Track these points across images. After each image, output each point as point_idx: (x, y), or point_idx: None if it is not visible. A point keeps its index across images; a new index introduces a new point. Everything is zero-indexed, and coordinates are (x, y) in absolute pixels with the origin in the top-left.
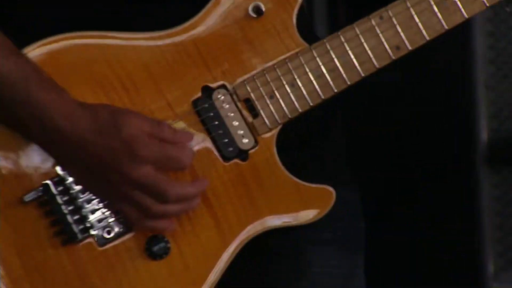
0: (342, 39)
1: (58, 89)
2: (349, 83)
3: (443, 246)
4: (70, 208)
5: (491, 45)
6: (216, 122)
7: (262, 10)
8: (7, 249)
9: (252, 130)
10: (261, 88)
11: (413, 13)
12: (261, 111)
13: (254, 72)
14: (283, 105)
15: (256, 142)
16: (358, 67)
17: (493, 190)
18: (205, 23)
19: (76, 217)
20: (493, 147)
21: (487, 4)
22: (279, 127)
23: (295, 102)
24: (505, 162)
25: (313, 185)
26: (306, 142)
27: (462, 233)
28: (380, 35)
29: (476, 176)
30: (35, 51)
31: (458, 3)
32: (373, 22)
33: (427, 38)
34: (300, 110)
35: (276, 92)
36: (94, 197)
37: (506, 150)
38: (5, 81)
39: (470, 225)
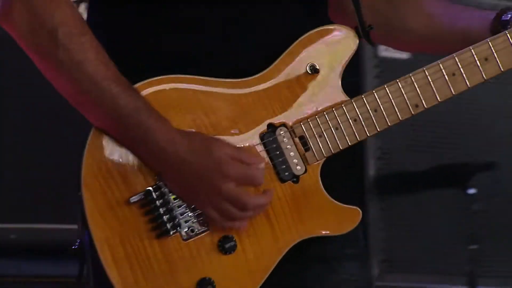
0: (376, 96)
1: (162, 118)
2: (378, 130)
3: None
4: (164, 209)
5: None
6: (277, 152)
7: (317, 68)
8: (113, 237)
9: (304, 160)
10: (313, 129)
11: (430, 80)
12: (312, 146)
13: (308, 116)
14: (329, 143)
15: (306, 169)
16: (386, 118)
17: (379, 212)
18: (274, 76)
19: (168, 216)
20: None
21: (485, 78)
22: (324, 159)
23: (338, 141)
24: (386, 192)
25: (346, 206)
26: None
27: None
28: (404, 95)
29: (366, 202)
30: (144, 87)
31: (464, 76)
32: (400, 85)
33: (439, 100)
34: (341, 148)
35: (324, 133)
36: (183, 203)
37: (388, 183)
38: (122, 110)
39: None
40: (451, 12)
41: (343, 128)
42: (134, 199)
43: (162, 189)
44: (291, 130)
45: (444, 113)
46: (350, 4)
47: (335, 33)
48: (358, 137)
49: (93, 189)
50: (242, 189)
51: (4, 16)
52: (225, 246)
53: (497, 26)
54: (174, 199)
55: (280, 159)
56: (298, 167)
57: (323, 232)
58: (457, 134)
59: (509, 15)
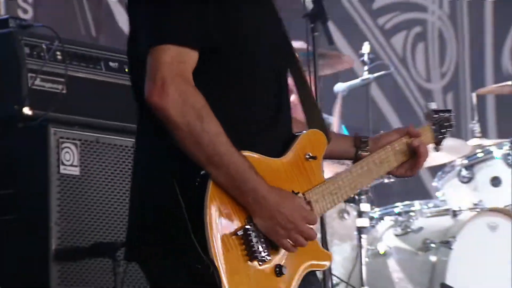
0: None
1: (260, 176)
2: (350, 195)
3: None
4: (254, 241)
5: None
6: None
7: (313, 157)
8: (228, 265)
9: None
10: (313, 197)
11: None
12: (315, 207)
13: (308, 187)
14: (322, 206)
15: None
16: (352, 190)
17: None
18: (288, 159)
19: (256, 247)
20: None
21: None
22: (321, 215)
23: (325, 207)
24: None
25: (325, 250)
26: None
27: None
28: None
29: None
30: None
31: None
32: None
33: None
34: (330, 207)
35: (317, 198)
36: (264, 237)
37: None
38: (239, 168)
39: None
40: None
41: (324, 196)
42: (239, 232)
43: (254, 227)
44: (304, 197)
45: None
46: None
47: (318, 136)
48: (335, 203)
49: (217, 226)
50: (310, 229)
51: (159, 98)
52: (282, 270)
53: (359, 145)
54: (259, 233)
55: None
56: None
57: (316, 267)
58: None
59: (365, 138)
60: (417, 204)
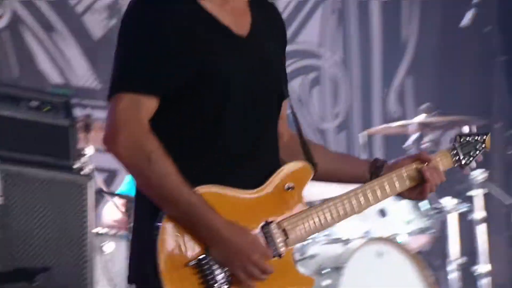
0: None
1: (215, 211)
2: (337, 222)
3: None
4: (210, 271)
5: None
6: (270, 238)
7: (292, 187)
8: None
9: (285, 244)
10: (289, 224)
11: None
12: (290, 236)
13: (285, 217)
14: (298, 234)
15: (285, 248)
16: (340, 217)
17: None
18: (267, 190)
19: (223, 278)
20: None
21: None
22: (296, 244)
23: (304, 234)
24: None
25: (306, 275)
26: None
27: None
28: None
29: None
30: (199, 190)
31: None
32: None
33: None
34: (308, 237)
35: (296, 228)
36: (221, 267)
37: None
38: (192, 206)
39: None
40: (339, 162)
41: (304, 225)
42: (191, 263)
43: (209, 257)
44: (278, 225)
45: None
46: (296, 148)
47: (302, 168)
48: (318, 230)
49: (168, 258)
50: (265, 264)
51: (111, 143)
52: None
53: (375, 170)
54: (217, 264)
55: (272, 243)
56: (282, 248)
57: None
58: None
59: (380, 163)
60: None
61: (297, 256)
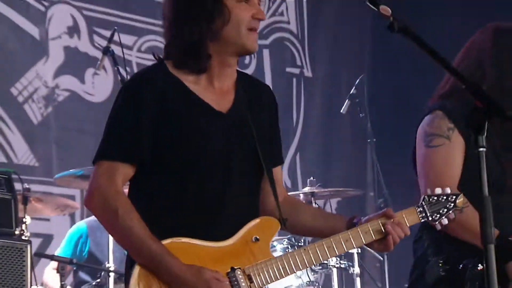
0: (300, 251)
1: (177, 258)
2: (301, 269)
3: None
4: None
5: None
6: (236, 283)
7: (258, 239)
8: None
9: (250, 286)
10: (253, 270)
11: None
12: (254, 280)
13: (252, 264)
14: (262, 279)
15: None
16: (304, 265)
17: None
18: (234, 241)
19: None
20: None
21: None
22: (265, 285)
23: (271, 278)
24: None
25: None
26: None
27: None
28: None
29: None
30: (164, 242)
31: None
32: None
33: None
34: (272, 282)
35: (260, 273)
36: None
37: None
38: (156, 255)
39: None
40: (318, 219)
41: (268, 273)
42: None
43: None
44: (242, 271)
45: None
46: (271, 206)
47: (269, 222)
48: (283, 275)
49: None
50: None
51: (88, 202)
52: None
53: (350, 225)
54: None
55: (237, 286)
56: None
57: None
58: None
59: (357, 220)
60: None
61: None
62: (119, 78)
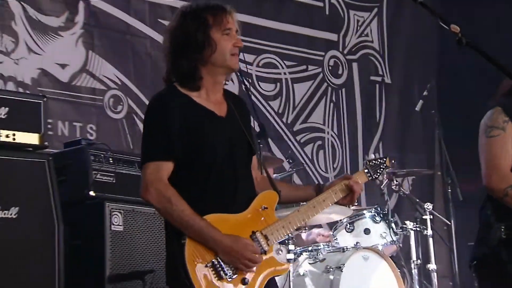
0: (295, 213)
1: (218, 230)
2: (299, 225)
3: None
4: (221, 268)
5: None
6: (257, 242)
7: (266, 207)
8: (203, 285)
9: (267, 244)
10: (267, 231)
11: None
12: (269, 238)
13: (264, 227)
14: (275, 236)
15: (268, 247)
16: (301, 222)
17: None
18: (249, 212)
19: (230, 271)
20: None
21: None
22: (274, 244)
23: (280, 235)
24: None
25: (283, 262)
26: None
27: None
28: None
29: None
30: (206, 217)
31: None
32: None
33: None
34: (281, 238)
35: (273, 232)
36: (227, 265)
37: None
38: (201, 227)
39: None
40: (294, 191)
41: (278, 230)
42: (208, 264)
43: (219, 258)
44: (261, 232)
45: None
46: (265, 184)
47: (271, 194)
48: (285, 235)
49: (192, 263)
50: (255, 255)
51: (145, 195)
52: (245, 281)
53: (318, 191)
54: (225, 262)
55: (258, 244)
56: (266, 247)
57: (277, 275)
58: None
59: (321, 185)
60: (322, 245)
61: (310, 260)
62: (243, 87)
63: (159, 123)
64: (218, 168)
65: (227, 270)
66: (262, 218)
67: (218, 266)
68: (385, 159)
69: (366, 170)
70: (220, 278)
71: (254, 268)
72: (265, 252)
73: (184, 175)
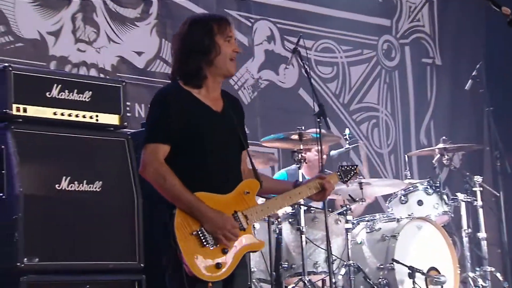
0: (273, 200)
1: (204, 203)
2: (275, 211)
3: None
4: (204, 237)
5: None
6: (238, 219)
7: (248, 192)
8: (187, 249)
9: (246, 222)
10: (248, 212)
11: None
12: (249, 218)
13: (246, 208)
14: (253, 217)
15: (247, 225)
16: (277, 208)
17: None
18: (234, 194)
19: (206, 239)
20: None
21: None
22: (253, 223)
23: (258, 217)
24: None
25: (259, 240)
26: None
27: None
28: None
29: None
30: (196, 194)
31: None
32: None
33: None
34: (259, 219)
35: (252, 214)
36: (209, 234)
37: None
38: (191, 202)
39: None
40: (275, 184)
41: (257, 212)
42: (193, 233)
43: (203, 229)
44: (242, 212)
45: None
46: (250, 176)
47: (254, 182)
48: (263, 217)
49: (180, 230)
50: (235, 230)
51: (143, 172)
52: (225, 251)
53: (296, 186)
54: (208, 232)
55: (239, 221)
56: (245, 225)
57: (253, 250)
58: None
59: (299, 182)
60: (377, 215)
61: (366, 230)
62: (303, 70)
63: (160, 112)
64: (210, 155)
65: (210, 239)
66: (244, 201)
67: (201, 235)
68: (355, 167)
69: (338, 174)
70: (203, 245)
71: (233, 242)
72: (244, 229)
73: (179, 160)
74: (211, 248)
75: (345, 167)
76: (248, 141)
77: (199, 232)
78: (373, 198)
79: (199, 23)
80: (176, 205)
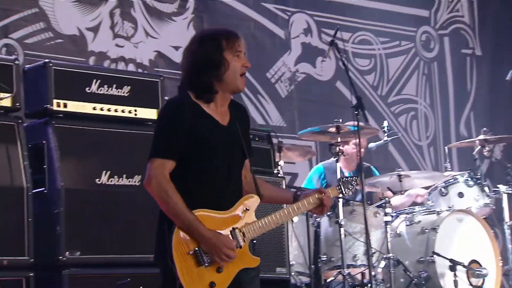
0: (271, 216)
1: (203, 225)
2: (274, 227)
3: None
4: (201, 256)
5: None
6: (235, 237)
7: (248, 209)
8: (183, 268)
9: (243, 240)
10: (246, 229)
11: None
12: (246, 235)
13: (244, 225)
14: (251, 234)
15: (244, 243)
16: (276, 224)
17: None
18: (233, 211)
19: (202, 259)
20: None
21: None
22: (249, 240)
23: (256, 233)
24: None
25: (255, 257)
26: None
27: None
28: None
29: None
30: (195, 212)
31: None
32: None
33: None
34: (256, 236)
35: (250, 231)
36: (206, 255)
37: None
38: (190, 220)
39: None
40: (275, 193)
41: (254, 229)
42: (191, 252)
43: (200, 249)
44: (239, 229)
45: None
46: (252, 185)
47: (254, 198)
48: (261, 234)
49: (178, 249)
50: (231, 251)
51: (148, 186)
52: (219, 270)
53: (295, 196)
54: (204, 253)
55: (236, 239)
56: (242, 243)
57: (247, 267)
58: None
59: (299, 193)
60: (417, 208)
61: (406, 222)
62: (341, 63)
63: (169, 125)
64: (214, 169)
65: (206, 258)
66: (243, 218)
67: (198, 254)
68: (356, 178)
69: (338, 187)
70: (199, 264)
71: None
72: (240, 247)
73: (184, 173)
74: (207, 266)
75: (346, 178)
76: (286, 134)
77: (197, 251)
78: (424, 196)
79: (208, 39)
80: (175, 222)
